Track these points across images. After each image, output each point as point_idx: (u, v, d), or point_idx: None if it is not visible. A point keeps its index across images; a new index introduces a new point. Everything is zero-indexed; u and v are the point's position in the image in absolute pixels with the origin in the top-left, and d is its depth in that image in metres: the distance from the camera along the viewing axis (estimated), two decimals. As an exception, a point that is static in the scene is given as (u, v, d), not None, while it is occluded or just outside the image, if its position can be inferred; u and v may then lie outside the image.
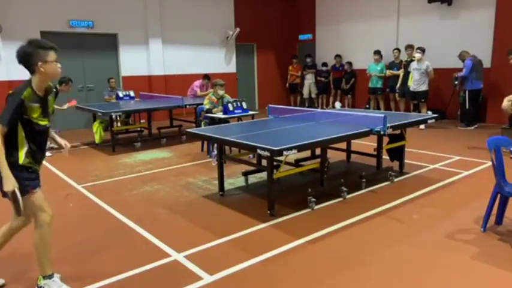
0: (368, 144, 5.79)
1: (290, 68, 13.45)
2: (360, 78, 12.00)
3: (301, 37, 14.11)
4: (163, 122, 10.04)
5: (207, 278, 2.99)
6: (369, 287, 2.88)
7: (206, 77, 9.95)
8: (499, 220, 3.81)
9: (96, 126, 7.99)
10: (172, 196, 4.96)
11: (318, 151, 5.48)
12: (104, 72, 10.49)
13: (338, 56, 12.40)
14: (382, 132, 4.60)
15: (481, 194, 4.37)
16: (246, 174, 5.30)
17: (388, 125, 4.61)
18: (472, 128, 9.10)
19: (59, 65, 2.69)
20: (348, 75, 12.16)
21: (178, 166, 6.44)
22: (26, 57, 2.57)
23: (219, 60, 12.66)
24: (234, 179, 5.52)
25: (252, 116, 7.22)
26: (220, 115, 6.63)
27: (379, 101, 11.22)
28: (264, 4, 13.48)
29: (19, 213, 2.70)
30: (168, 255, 3.37)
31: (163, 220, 4.23)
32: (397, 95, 10.50)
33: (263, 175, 5.28)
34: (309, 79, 13.10)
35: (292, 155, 4.35)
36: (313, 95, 13.16)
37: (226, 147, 5.60)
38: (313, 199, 4.34)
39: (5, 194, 2.61)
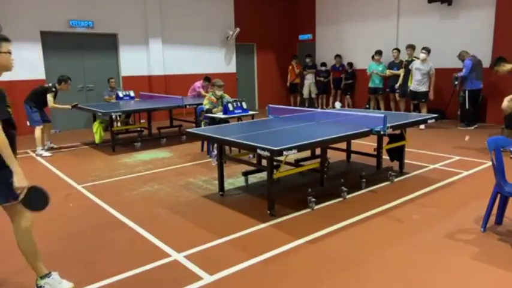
0: (368, 144, 5.79)
1: (290, 67, 13.44)
2: (360, 78, 12.00)
3: (301, 37, 14.12)
4: (163, 122, 10.05)
5: (207, 278, 2.99)
6: (369, 287, 2.88)
7: (207, 79, 9.97)
8: (499, 220, 3.82)
9: (96, 126, 7.98)
10: (172, 196, 4.96)
11: (318, 151, 5.48)
12: (104, 72, 10.50)
13: (338, 56, 12.40)
14: (382, 132, 4.60)
15: (481, 194, 4.37)
16: (246, 174, 5.31)
17: (388, 125, 4.61)
18: (472, 128, 9.10)
19: (12, 56, 2.63)
20: (348, 75, 12.17)
21: (178, 166, 6.44)
22: None
23: (219, 60, 12.67)
24: (234, 179, 5.52)
25: (252, 116, 7.22)
26: (220, 115, 6.63)
27: (379, 101, 11.22)
28: (264, 4, 13.49)
29: (32, 208, 2.66)
30: (168, 255, 3.37)
31: (163, 220, 4.23)
32: (397, 95, 10.50)
33: (263, 175, 5.28)
34: (309, 79, 13.11)
35: (292, 155, 4.35)
36: (313, 95, 13.17)
37: (226, 147, 5.60)
38: (313, 199, 4.34)
39: (13, 196, 2.55)
